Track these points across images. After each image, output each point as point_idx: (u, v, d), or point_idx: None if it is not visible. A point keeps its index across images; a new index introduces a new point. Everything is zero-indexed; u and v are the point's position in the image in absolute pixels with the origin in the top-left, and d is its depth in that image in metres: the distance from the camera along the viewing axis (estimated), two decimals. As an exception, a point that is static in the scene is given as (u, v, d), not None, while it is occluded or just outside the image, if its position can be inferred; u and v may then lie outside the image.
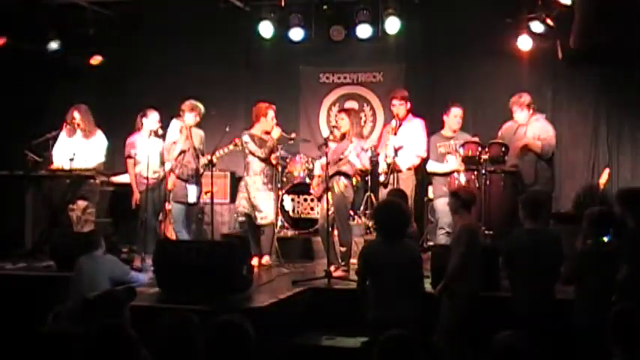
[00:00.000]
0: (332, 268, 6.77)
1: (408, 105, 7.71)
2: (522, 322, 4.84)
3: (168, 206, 7.73)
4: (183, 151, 7.59)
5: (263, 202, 7.52)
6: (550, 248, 5.14)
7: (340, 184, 7.05)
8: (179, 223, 7.56)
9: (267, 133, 7.61)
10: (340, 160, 7.08)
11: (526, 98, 7.44)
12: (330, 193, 7.02)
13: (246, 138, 7.57)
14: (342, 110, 7.71)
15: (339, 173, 7.05)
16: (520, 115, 7.45)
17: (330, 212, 7.04)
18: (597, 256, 4.90)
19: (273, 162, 7.65)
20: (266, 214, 7.52)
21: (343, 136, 7.21)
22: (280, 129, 7.64)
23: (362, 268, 4.92)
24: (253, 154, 7.56)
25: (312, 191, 7.81)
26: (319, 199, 7.44)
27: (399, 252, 4.78)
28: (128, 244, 8.09)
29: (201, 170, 7.63)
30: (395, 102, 7.70)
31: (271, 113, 7.63)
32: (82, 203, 7.95)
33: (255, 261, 7.21)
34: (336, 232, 7.15)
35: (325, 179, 7.00)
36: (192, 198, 7.62)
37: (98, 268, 5.81)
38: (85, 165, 7.93)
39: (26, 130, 9.25)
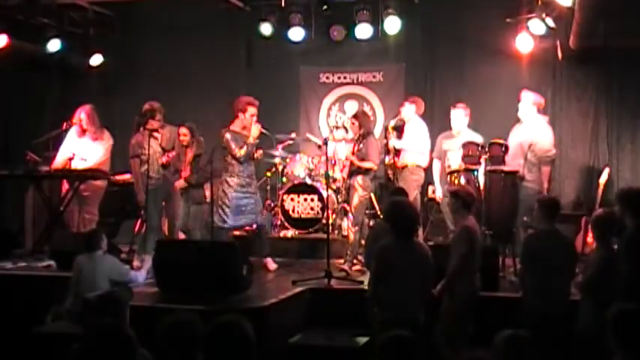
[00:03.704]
0: (347, 265, 7.09)
1: (421, 110, 8.06)
2: (536, 321, 4.84)
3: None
4: (198, 155, 7.70)
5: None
6: (565, 249, 5.17)
7: (357, 181, 7.29)
8: (197, 222, 7.68)
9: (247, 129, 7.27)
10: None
11: (541, 100, 7.47)
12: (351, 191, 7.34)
13: (228, 136, 7.18)
14: (351, 117, 7.89)
15: (356, 173, 7.30)
16: (524, 108, 7.41)
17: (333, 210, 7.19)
18: (609, 263, 4.89)
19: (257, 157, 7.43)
20: None
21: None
22: (260, 125, 7.22)
23: (377, 269, 4.88)
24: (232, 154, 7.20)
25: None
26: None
27: (413, 252, 4.79)
28: (130, 244, 8.08)
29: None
30: (406, 103, 8.07)
31: (252, 110, 7.24)
32: (84, 204, 7.95)
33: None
34: (352, 231, 7.33)
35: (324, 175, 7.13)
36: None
37: (98, 268, 5.80)
38: (87, 165, 7.91)
39: (26, 130, 9.26)
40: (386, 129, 8.48)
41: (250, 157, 7.24)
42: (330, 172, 8.21)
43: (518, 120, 7.57)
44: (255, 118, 7.25)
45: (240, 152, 7.09)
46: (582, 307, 4.97)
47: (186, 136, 7.80)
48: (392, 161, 7.98)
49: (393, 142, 8.00)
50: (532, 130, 7.28)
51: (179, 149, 7.73)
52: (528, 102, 7.39)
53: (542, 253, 5.12)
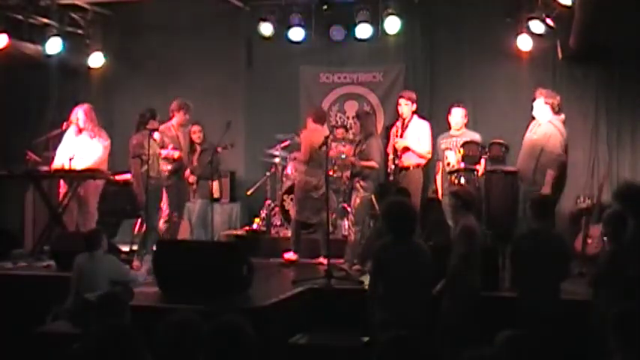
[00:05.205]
0: (347, 265, 7.15)
1: (414, 106, 7.83)
2: (527, 321, 4.83)
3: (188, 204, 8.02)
4: (204, 150, 7.78)
5: None
6: (556, 248, 5.16)
7: (359, 182, 7.37)
8: (200, 220, 7.72)
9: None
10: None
11: (555, 97, 7.21)
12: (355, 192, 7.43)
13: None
14: (354, 116, 7.91)
15: (358, 174, 7.38)
16: (537, 107, 7.18)
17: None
18: (621, 259, 4.89)
19: None
20: None
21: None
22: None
23: (375, 269, 4.89)
24: None
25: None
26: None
27: (411, 252, 4.77)
28: (130, 244, 8.08)
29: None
30: (401, 101, 7.85)
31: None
32: (82, 203, 7.94)
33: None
34: (353, 231, 7.40)
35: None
36: (216, 194, 7.77)
37: (98, 268, 5.80)
38: (86, 164, 7.91)
39: (26, 130, 9.26)
40: (387, 129, 8.46)
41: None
42: (331, 172, 8.20)
43: (516, 119, 7.57)
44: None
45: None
46: (595, 304, 4.96)
47: (195, 133, 7.90)
48: (395, 161, 7.92)
49: (398, 140, 7.86)
50: (544, 132, 7.09)
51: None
52: (541, 101, 7.16)
53: (529, 253, 5.12)
